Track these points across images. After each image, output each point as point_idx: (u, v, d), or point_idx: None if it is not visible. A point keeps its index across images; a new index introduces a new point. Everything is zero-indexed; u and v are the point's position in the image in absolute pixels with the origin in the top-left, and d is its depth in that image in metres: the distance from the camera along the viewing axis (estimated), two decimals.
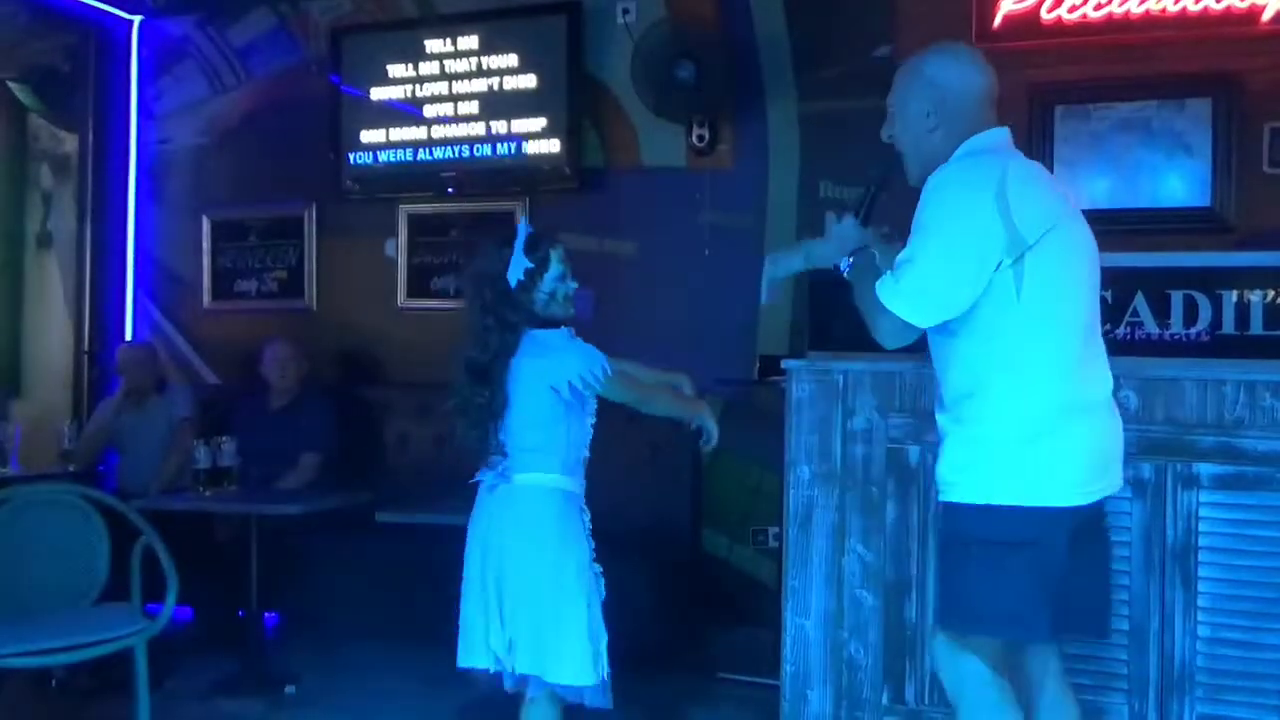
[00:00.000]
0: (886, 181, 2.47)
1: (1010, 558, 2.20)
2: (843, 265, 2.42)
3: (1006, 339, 2.21)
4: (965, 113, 2.32)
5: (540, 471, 2.68)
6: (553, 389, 2.64)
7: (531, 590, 2.63)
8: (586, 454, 2.77)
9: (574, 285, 2.78)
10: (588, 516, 2.76)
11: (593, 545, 2.73)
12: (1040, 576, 2.21)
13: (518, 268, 2.68)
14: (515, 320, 2.68)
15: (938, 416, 2.37)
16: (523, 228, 2.77)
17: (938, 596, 2.39)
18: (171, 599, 3.40)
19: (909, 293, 2.20)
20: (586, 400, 2.71)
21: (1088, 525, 2.30)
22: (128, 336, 5.79)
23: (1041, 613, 2.23)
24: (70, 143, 5.83)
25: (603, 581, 2.72)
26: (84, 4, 5.65)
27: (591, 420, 2.76)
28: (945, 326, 2.26)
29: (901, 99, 2.39)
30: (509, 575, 2.64)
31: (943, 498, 2.32)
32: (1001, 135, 2.34)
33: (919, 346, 2.35)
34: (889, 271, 2.25)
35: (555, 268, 2.73)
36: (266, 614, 4.37)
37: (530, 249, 2.71)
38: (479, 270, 2.76)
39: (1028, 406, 2.21)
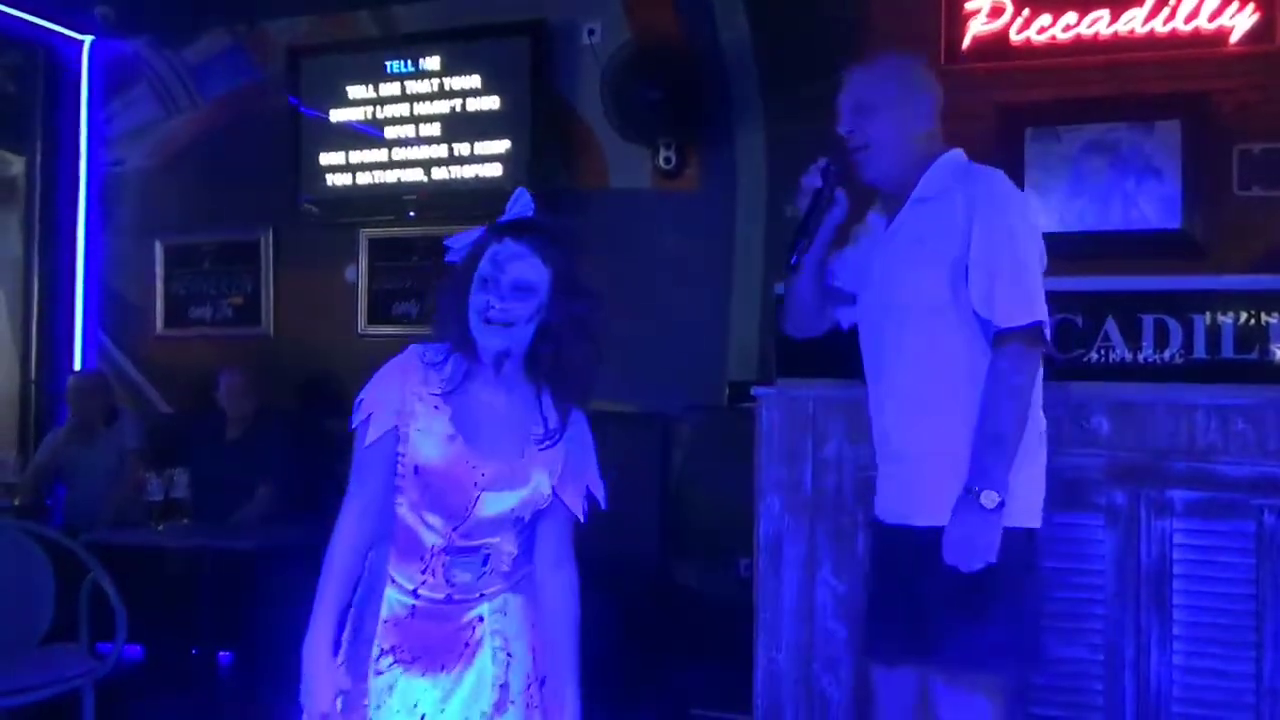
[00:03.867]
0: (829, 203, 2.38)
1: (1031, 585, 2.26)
2: None
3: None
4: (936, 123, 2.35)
5: None
6: None
7: None
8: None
9: (498, 301, 1.98)
10: None
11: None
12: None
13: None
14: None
15: None
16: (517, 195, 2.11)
17: (947, 639, 2.20)
18: (121, 638, 3.37)
19: (1034, 293, 2.17)
20: None
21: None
22: (77, 366, 5.73)
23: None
24: (17, 166, 5.77)
25: None
26: (32, 23, 5.62)
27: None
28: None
29: (901, 94, 2.31)
30: None
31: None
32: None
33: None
34: (993, 299, 2.16)
35: (482, 266, 2.03)
36: (221, 653, 4.32)
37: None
38: None
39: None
